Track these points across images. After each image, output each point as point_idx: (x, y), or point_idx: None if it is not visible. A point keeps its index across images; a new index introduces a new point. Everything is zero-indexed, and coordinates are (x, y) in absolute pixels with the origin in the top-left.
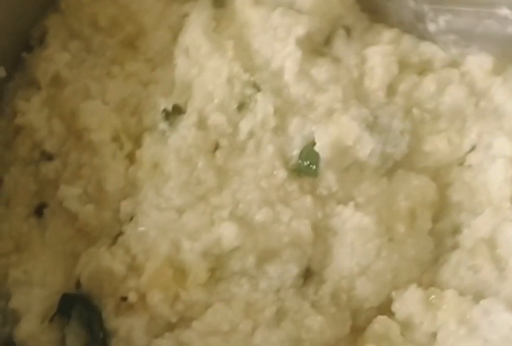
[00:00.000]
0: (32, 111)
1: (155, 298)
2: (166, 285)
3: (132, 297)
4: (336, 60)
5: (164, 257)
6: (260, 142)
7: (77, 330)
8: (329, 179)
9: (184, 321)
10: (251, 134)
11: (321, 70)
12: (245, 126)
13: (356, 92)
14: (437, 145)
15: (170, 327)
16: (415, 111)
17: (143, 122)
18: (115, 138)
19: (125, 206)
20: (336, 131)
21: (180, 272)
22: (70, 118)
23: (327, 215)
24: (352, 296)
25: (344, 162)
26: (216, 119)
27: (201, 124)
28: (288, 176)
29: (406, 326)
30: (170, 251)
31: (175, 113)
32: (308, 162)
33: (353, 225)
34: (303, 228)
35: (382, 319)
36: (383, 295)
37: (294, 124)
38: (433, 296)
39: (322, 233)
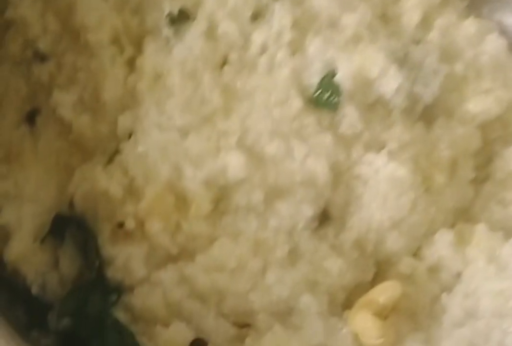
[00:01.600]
0: (25, 4)
1: (155, 226)
2: (167, 214)
3: (130, 223)
4: None
5: (165, 182)
6: (273, 61)
7: (71, 253)
8: (351, 115)
9: (187, 254)
10: (264, 49)
11: None
12: (258, 38)
13: (387, 22)
14: (481, 102)
15: (172, 259)
16: (452, 54)
17: (145, 24)
18: (115, 40)
19: (124, 121)
20: (361, 60)
21: (182, 201)
22: (66, 14)
23: (353, 160)
24: (379, 249)
25: (367, 97)
26: (227, 27)
27: (210, 33)
28: (304, 106)
29: (433, 269)
30: (171, 176)
31: (181, 19)
32: (328, 94)
33: (387, 175)
34: (319, 167)
35: (408, 260)
36: (414, 248)
37: (314, 46)
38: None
39: (346, 179)
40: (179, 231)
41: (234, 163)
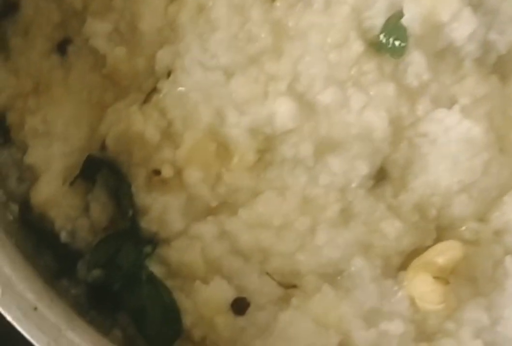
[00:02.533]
0: None
1: (194, 175)
2: (207, 162)
3: (167, 171)
4: None
5: (207, 127)
6: None
7: (102, 199)
8: (418, 63)
9: (228, 207)
10: None
11: None
12: None
13: None
14: None
15: (212, 212)
16: None
17: None
18: None
19: (163, 56)
20: (431, 1)
21: (224, 149)
22: None
23: (418, 115)
24: (444, 213)
25: (437, 43)
26: None
27: None
28: (365, 50)
29: (498, 232)
30: (213, 122)
31: None
32: (393, 38)
33: (459, 135)
34: (379, 121)
35: (473, 224)
36: (482, 213)
37: None
38: None
39: (410, 135)
40: (220, 182)
41: (283, 111)
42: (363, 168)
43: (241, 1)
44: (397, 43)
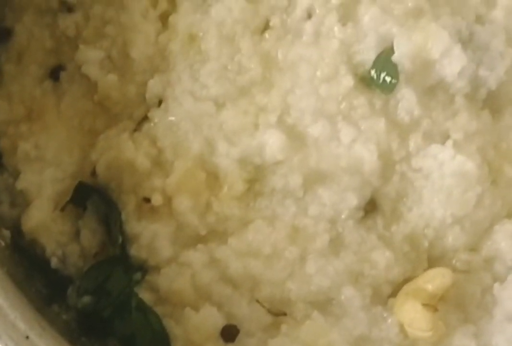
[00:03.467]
0: None
1: (183, 204)
2: (197, 191)
3: (157, 199)
4: None
5: (197, 156)
6: (321, 28)
7: (92, 226)
8: (408, 99)
9: (217, 235)
10: (310, 13)
11: None
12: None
13: None
14: None
15: (201, 239)
16: None
17: None
18: None
19: (153, 85)
20: (422, 38)
21: (214, 178)
22: None
23: (410, 150)
24: (436, 244)
25: (427, 79)
26: None
27: None
28: (355, 85)
29: (487, 260)
30: (203, 151)
31: None
32: (384, 74)
33: (453, 169)
34: (368, 154)
35: (464, 254)
36: (473, 243)
37: (369, 15)
38: None
39: (402, 170)
40: (209, 211)
41: (272, 142)
42: (353, 200)
43: (232, 32)
44: (388, 79)
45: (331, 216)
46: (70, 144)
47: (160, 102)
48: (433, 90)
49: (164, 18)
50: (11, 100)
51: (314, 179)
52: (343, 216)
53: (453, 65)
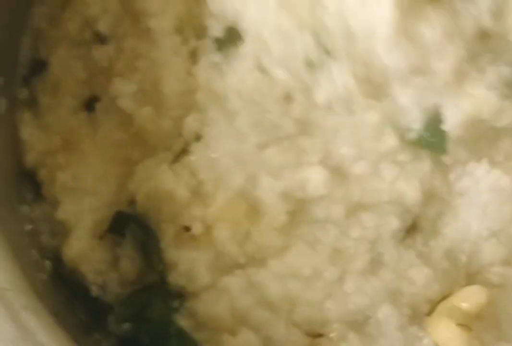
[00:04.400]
0: None
1: (223, 233)
2: (237, 221)
3: (197, 228)
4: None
5: (238, 189)
6: (352, 107)
7: (131, 253)
8: (456, 150)
9: (255, 261)
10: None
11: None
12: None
13: (488, 42)
14: None
15: (239, 266)
16: None
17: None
18: (179, 30)
19: (190, 123)
20: (471, 106)
21: (254, 209)
22: None
23: (449, 182)
24: (474, 259)
25: (477, 133)
26: (279, 74)
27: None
28: (400, 144)
29: None
30: (245, 184)
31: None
32: (433, 139)
33: (488, 185)
34: (411, 190)
35: (499, 269)
36: (509, 257)
37: (405, 95)
38: None
39: (440, 196)
40: (248, 240)
41: (315, 178)
42: (395, 223)
43: (252, 97)
44: (436, 143)
45: (373, 237)
46: (107, 173)
47: (198, 137)
48: (482, 134)
49: (194, 54)
50: (48, 131)
51: (356, 208)
52: (384, 237)
53: (503, 119)
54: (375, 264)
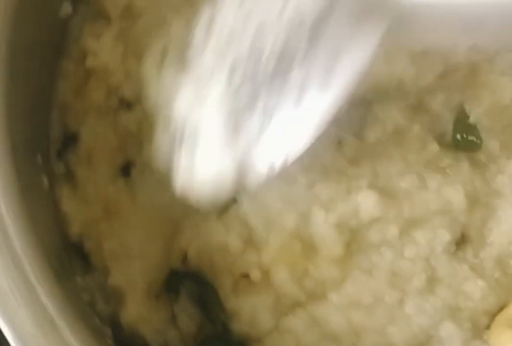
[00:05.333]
0: (105, 50)
1: (281, 274)
2: (294, 261)
3: (255, 274)
4: None
5: (291, 229)
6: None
7: (188, 309)
8: (491, 146)
9: (316, 297)
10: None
11: None
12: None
13: None
14: None
15: (300, 304)
16: None
17: None
18: None
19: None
20: (488, 95)
21: (309, 246)
22: None
23: (487, 180)
24: None
25: (504, 121)
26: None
27: None
28: (441, 150)
29: None
30: (298, 223)
31: None
32: (467, 136)
33: None
34: (455, 195)
35: None
36: None
37: (436, 100)
38: None
39: (482, 199)
40: (307, 277)
41: (366, 203)
42: (446, 236)
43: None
44: (471, 139)
45: (426, 255)
46: (153, 235)
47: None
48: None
49: None
50: (88, 202)
51: (409, 225)
52: (437, 252)
53: None
54: (431, 281)
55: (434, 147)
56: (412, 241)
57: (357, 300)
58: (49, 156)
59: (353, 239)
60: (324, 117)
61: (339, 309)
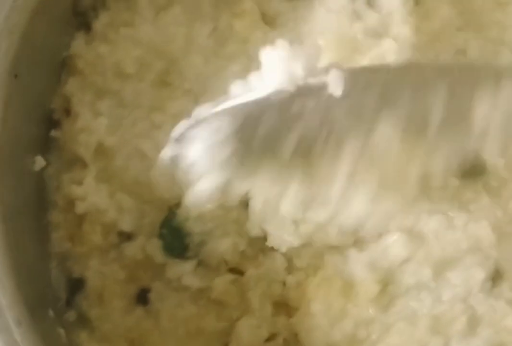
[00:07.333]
0: (91, 193)
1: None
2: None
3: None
4: None
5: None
6: None
7: None
8: (499, 172)
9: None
10: None
11: None
12: None
13: None
14: None
15: None
16: None
17: None
18: None
19: None
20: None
21: (348, 287)
22: (136, 188)
23: (504, 209)
24: None
25: None
26: None
27: None
28: (461, 184)
29: None
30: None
31: None
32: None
33: None
34: (483, 230)
35: None
36: None
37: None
38: None
39: (505, 229)
40: (345, 317)
41: (394, 243)
42: (481, 274)
43: None
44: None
45: (464, 295)
46: None
47: None
48: None
49: None
50: (109, 340)
51: (442, 266)
52: (474, 292)
53: None
54: (472, 322)
55: (455, 183)
56: (447, 283)
57: None
58: (59, 307)
59: (389, 280)
60: None
61: None
